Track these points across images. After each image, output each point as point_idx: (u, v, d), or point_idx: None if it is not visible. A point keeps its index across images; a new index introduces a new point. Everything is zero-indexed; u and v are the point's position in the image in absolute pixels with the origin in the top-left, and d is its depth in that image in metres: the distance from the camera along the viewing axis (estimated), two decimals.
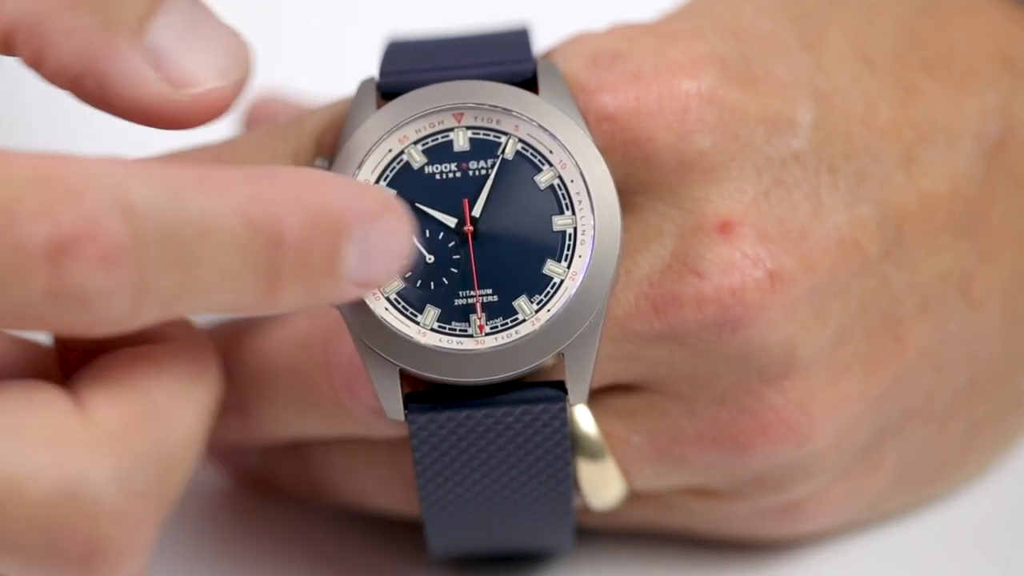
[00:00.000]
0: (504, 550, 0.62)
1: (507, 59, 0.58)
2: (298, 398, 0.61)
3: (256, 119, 0.76)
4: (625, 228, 0.56)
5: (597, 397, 0.59)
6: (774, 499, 0.61)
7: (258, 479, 0.67)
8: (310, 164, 0.59)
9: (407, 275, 0.56)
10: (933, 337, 0.60)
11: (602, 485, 0.60)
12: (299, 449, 0.65)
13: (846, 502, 0.62)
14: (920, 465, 0.63)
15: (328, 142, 0.58)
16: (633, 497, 0.61)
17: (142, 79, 0.53)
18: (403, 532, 0.65)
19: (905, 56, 0.61)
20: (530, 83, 0.57)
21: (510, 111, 0.56)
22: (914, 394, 0.61)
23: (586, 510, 0.61)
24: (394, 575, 0.64)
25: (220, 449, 0.67)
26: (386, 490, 0.63)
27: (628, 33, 0.59)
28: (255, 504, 0.67)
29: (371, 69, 0.59)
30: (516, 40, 0.59)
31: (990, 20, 0.63)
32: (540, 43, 0.61)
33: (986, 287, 0.61)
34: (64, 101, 0.54)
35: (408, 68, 0.57)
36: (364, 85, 0.58)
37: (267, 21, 0.91)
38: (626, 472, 0.60)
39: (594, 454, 0.59)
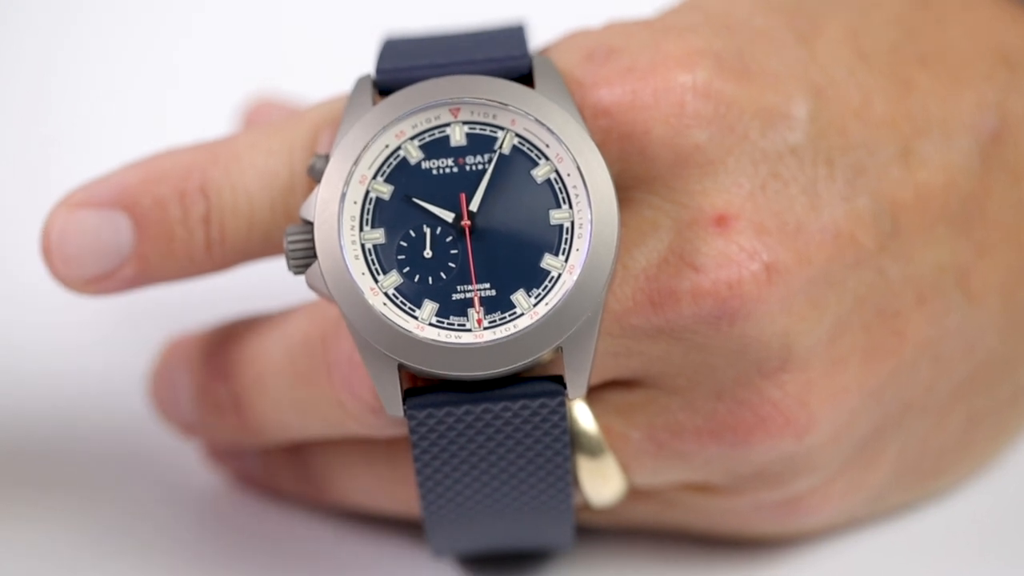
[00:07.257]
0: (505, 548, 0.62)
1: (503, 55, 0.58)
2: (297, 398, 0.61)
3: (254, 122, 0.76)
4: (621, 223, 0.56)
5: (595, 393, 0.59)
6: (774, 494, 0.61)
7: (258, 480, 0.67)
8: (306, 160, 0.59)
9: (405, 270, 0.56)
10: (931, 330, 0.60)
11: (602, 481, 0.60)
12: (299, 450, 0.65)
13: (846, 496, 0.62)
14: (919, 459, 0.63)
15: (325, 139, 0.58)
16: (633, 494, 0.61)
17: None
18: (403, 532, 0.65)
19: (900, 50, 0.61)
20: (526, 79, 0.57)
21: (506, 105, 0.56)
22: (912, 387, 0.61)
23: (586, 507, 0.61)
24: (394, 575, 0.64)
25: (220, 450, 0.67)
26: (386, 491, 0.63)
27: (623, 29, 0.59)
28: (255, 504, 0.67)
29: (369, 70, 0.59)
30: (512, 37, 0.59)
31: (986, 14, 0.63)
32: (536, 41, 0.61)
33: (983, 280, 0.61)
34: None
35: (404, 64, 0.58)
36: (360, 81, 0.58)
37: (267, 22, 0.91)
38: (626, 468, 0.60)
39: (593, 450, 0.59)
